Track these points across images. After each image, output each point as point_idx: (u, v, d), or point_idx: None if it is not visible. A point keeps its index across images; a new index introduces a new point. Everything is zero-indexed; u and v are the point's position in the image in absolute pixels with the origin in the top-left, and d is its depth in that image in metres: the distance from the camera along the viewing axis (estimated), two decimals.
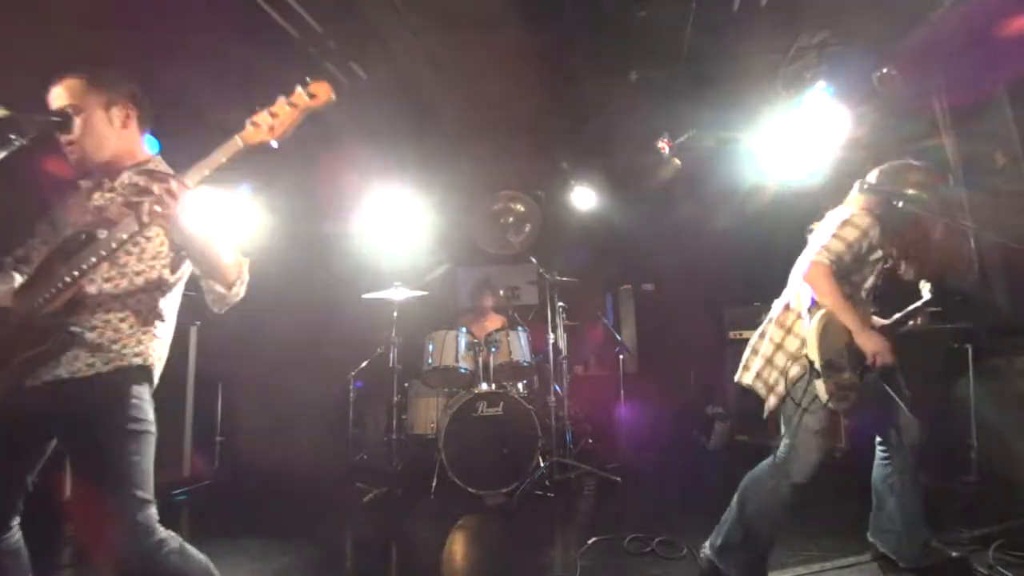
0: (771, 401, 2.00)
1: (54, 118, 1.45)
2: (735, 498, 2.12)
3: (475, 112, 4.52)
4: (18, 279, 1.49)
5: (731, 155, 4.28)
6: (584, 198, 5.39)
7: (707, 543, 2.20)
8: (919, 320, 2.20)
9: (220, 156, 1.39)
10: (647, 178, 5.20)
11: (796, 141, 3.50)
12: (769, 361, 2.05)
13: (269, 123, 1.40)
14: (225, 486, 3.92)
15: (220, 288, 1.53)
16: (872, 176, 2.11)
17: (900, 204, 1.97)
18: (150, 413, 1.51)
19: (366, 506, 3.54)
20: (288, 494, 3.88)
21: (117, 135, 1.58)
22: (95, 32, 2.55)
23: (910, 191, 1.98)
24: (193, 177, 1.38)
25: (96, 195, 1.56)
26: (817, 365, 1.89)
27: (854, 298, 2.02)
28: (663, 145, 4.38)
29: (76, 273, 1.38)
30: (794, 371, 1.96)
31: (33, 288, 1.41)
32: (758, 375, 2.07)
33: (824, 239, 1.99)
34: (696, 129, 4.27)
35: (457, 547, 2.95)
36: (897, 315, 2.20)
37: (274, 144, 1.41)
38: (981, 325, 3.24)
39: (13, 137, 1.35)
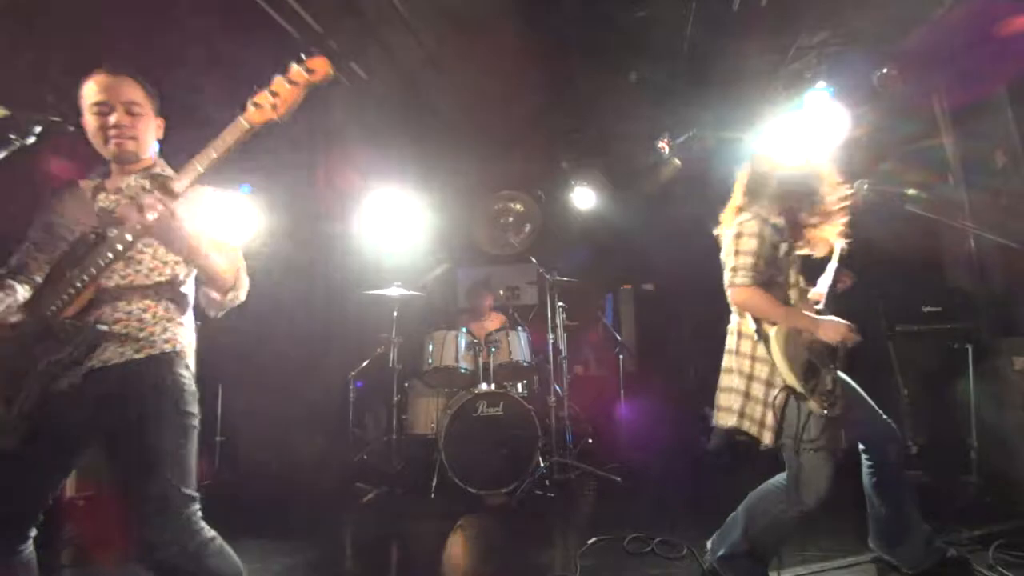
0: (767, 437, 1.88)
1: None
2: (741, 512, 2.09)
3: (475, 112, 4.52)
4: (19, 289, 1.48)
5: (731, 155, 4.28)
6: (584, 198, 5.38)
7: (708, 548, 2.20)
8: (845, 281, 2.17)
9: (227, 139, 1.40)
10: (647, 178, 5.20)
11: (796, 141, 3.50)
12: (747, 395, 1.94)
13: (271, 102, 1.40)
14: (225, 486, 3.92)
15: (215, 294, 1.54)
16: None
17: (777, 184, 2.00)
18: (194, 404, 1.52)
19: (366, 506, 3.54)
20: (288, 494, 3.88)
21: (153, 143, 1.64)
22: (94, 33, 2.55)
23: (911, 191, 1.98)
24: (201, 162, 1.38)
25: (101, 196, 1.57)
26: (799, 388, 1.82)
27: (790, 301, 1.97)
28: (663, 145, 4.37)
29: (93, 271, 1.37)
30: (779, 400, 1.86)
31: (44, 296, 1.40)
32: (742, 414, 1.94)
33: (730, 261, 1.96)
34: (696, 129, 4.27)
35: (457, 547, 2.95)
36: (821, 281, 2.13)
37: (279, 121, 1.42)
38: (981, 325, 3.24)
39: (13, 137, 1.35)
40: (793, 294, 1.98)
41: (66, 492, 3.10)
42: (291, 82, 1.41)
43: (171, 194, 1.36)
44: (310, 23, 3.32)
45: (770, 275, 1.95)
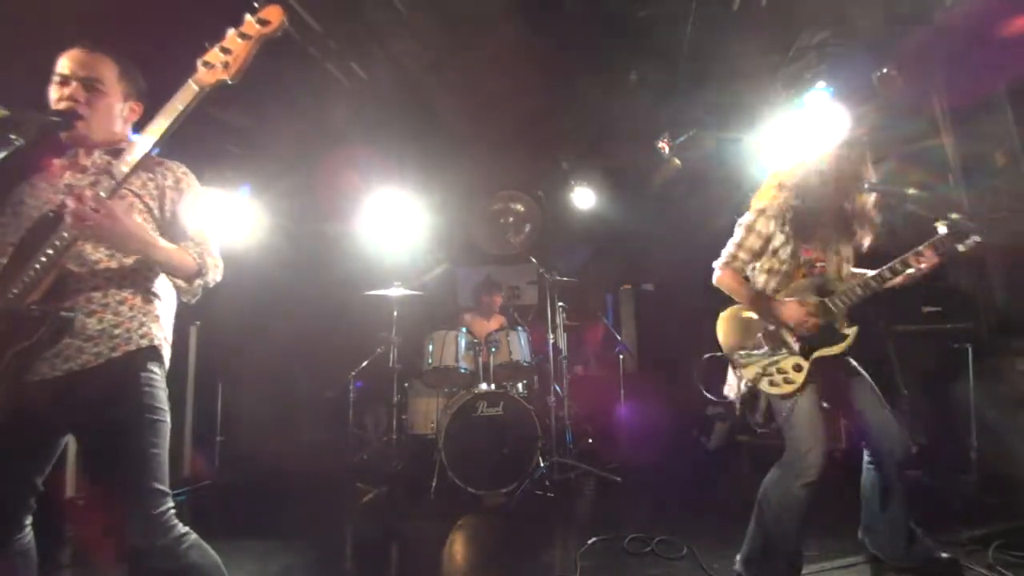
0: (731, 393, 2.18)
1: (54, 118, 1.44)
2: (755, 507, 2.12)
3: (475, 112, 4.52)
4: None
5: (731, 155, 4.28)
6: (584, 198, 5.39)
7: (737, 557, 2.20)
8: (923, 259, 1.97)
9: (176, 104, 1.34)
10: (647, 178, 5.20)
11: (796, 141, 3.50)
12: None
13: (222, 60, 1.33)
14: (225, 486, 3.92)
15: (179, 281, 1.52)
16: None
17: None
18: (164, 400, 1.49)
19: (366, 506, 3.54)
20: (288, 494, 3.88)
21: (119, 125, 1.59)
22: (92, 33, 2.55)
23: (911, 190, 1.98)
24: (152, 131, 1.34)
25: (68, 175, 1.54)
26: (727, 354, 2.14)
27: (783, 283, 2.11)
28: (663, 145, 4.37)
29: (51, 252, 1.32)
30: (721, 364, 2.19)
31: (6, 279, 1.35)
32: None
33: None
34: (696, 129, 4.27)
35: (457, 547, 2.95)
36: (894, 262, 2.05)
37: (230, 82, 1.35)
38: (981, 325, 3.24)
39: (13, 137, 1.34)
40: (772, 281, 2.13)
41: (66, 492, 3.10)
42: (243, 36, 1.33)
43: (115, 177, 1.33)
44: (310, 23, 3.32)
45: (759, 263, 2.16)
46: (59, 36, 1.54)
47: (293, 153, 4.70)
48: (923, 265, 1.98)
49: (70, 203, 1.28)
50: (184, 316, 1.69)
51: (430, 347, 4.08)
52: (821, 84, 3.41)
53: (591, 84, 4.18)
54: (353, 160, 4.78)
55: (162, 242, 1.45)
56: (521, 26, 3.38)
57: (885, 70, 3.33)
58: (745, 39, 3.56)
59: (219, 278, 1.60)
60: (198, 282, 1.54)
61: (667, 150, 4.38)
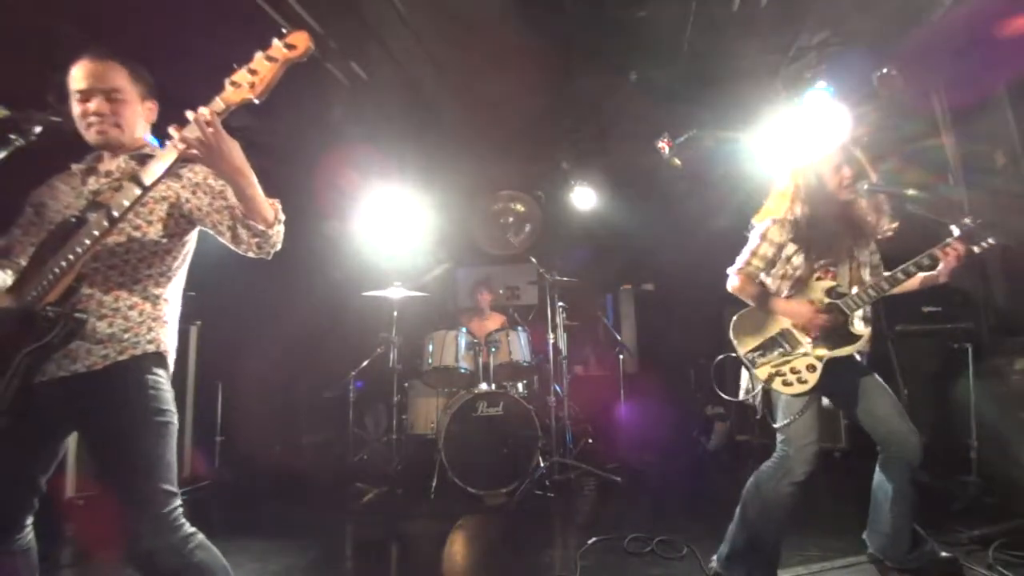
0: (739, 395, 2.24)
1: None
2: (739, 506, 2.16)
3: (475, 112, 4.52)
4: (0, 275, 1.46)
5: (731, 155, 4.28)
6: (584, 198, 5.39)
7: (714, 556, 2.24)
8: (945, 262, 2.11)
9: None
10: (647, 178, 5.19)
11: (796, 141, 3.50)
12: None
13: (249, 80, 1.36)
14: (225, 486, 3.92)
15: (260, 225, 1.48)
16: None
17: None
18: (171, 402, 1.51)
19: (366, 506, 3.54)
20: (288, 494, 3.89)
21: (141, 128, 1.60)
22: (93, 32, 2.55)
23: (911, 191, 1.98)
24: (177, 145, 1.36)
25: (91, 180, 1.54)
26: (741, 356, 2.14)
27: (797, 288, 2.13)
28: (663, 145, 4.37)
29: (71, 257, 1.34)
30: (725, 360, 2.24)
31: (26, 281, 1.37)
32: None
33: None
34: (696, 129, 4.27)
35: (457, 547, 2.95)
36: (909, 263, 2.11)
37: (256, 101, 1.37)
38: (981, 325, 3.24)
39: (13, 137, 1.35)
40: (785, 287, 2.15)
41: (66, 492, 3.10)
42: (270, 59, 1.36)
43: (140, 184, 1.34)
44: (310, 23, 3.32)
45: (769, 271, 2.19)
46: (71, 41, 1.54)
47: (293, 153, 4.70)
48: (951, 256, 2.11)
49: (190, 118, 1.31)
50: (184, 316, 1.69)
51: (430, 347, 4.09)
52: (821, 84, 3.40)
53: (591, 84, 4.18)
54: (353, 160, 4.78)
55: (252, 176, 1.43)
56: (521, 26, 3.38)
57: (885, 70, 3.32)
58: (745, 39, 3.56)
59: (279, 244, 1.57)
60: (276, 227, 1.51)
61: (667, 150, 4.38)
